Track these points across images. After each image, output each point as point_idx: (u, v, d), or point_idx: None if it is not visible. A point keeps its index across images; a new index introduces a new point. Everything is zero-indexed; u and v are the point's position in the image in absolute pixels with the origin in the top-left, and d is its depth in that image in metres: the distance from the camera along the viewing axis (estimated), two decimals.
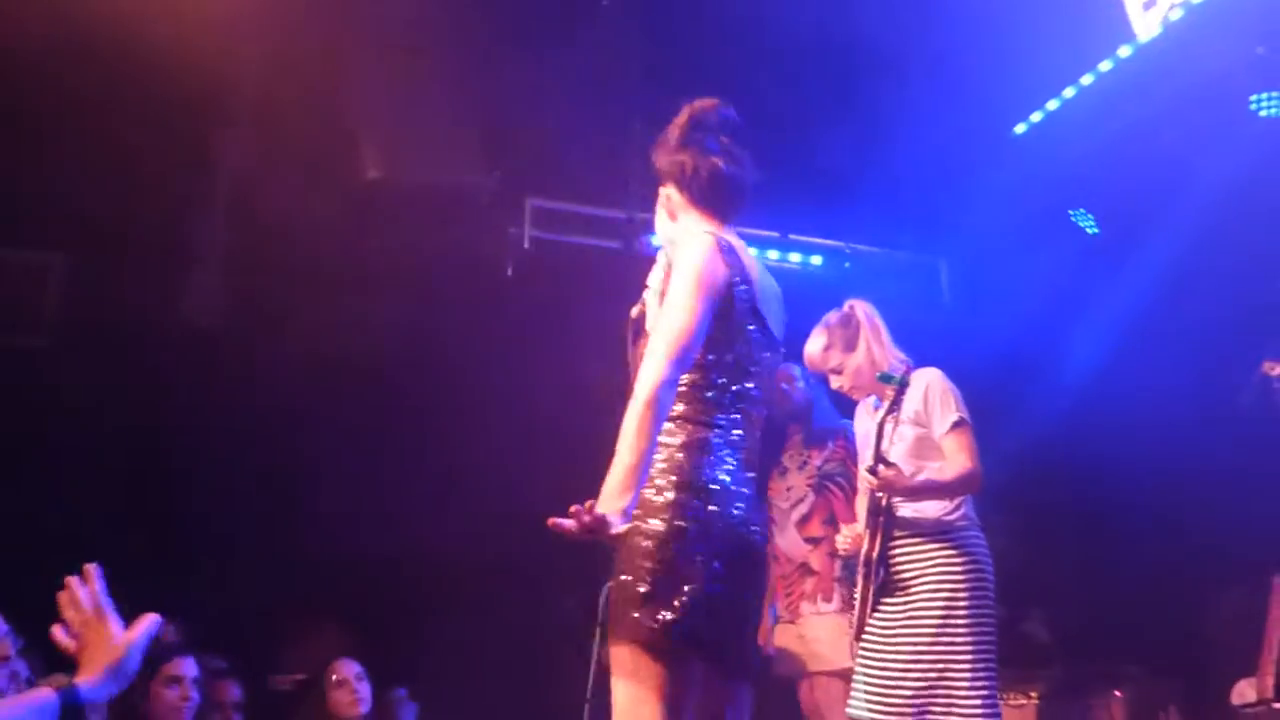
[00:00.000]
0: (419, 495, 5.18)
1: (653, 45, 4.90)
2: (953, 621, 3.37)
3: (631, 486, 2.23)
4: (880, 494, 3.43)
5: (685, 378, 2.41)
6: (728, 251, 2.48)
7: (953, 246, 6.56)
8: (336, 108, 4.85)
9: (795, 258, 6.22)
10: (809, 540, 4.41)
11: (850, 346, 3.64)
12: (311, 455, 5.12)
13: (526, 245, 5.52)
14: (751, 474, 2.50)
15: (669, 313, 2.38)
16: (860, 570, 3.50)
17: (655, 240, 2.74)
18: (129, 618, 1.93)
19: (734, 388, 2.47)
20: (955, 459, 3.46)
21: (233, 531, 5.06)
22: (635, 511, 2.27)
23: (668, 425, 2.39)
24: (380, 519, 5.16)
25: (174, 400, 5.15)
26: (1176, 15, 4.95)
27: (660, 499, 2.34)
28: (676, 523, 2.32)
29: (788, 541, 4.48)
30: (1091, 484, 5.26)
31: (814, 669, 4.32)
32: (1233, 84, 5.19)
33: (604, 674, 3.01)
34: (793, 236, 6.18)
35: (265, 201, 4.87)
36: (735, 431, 2.46)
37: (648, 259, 5.86)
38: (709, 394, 2.44)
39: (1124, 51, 5.26)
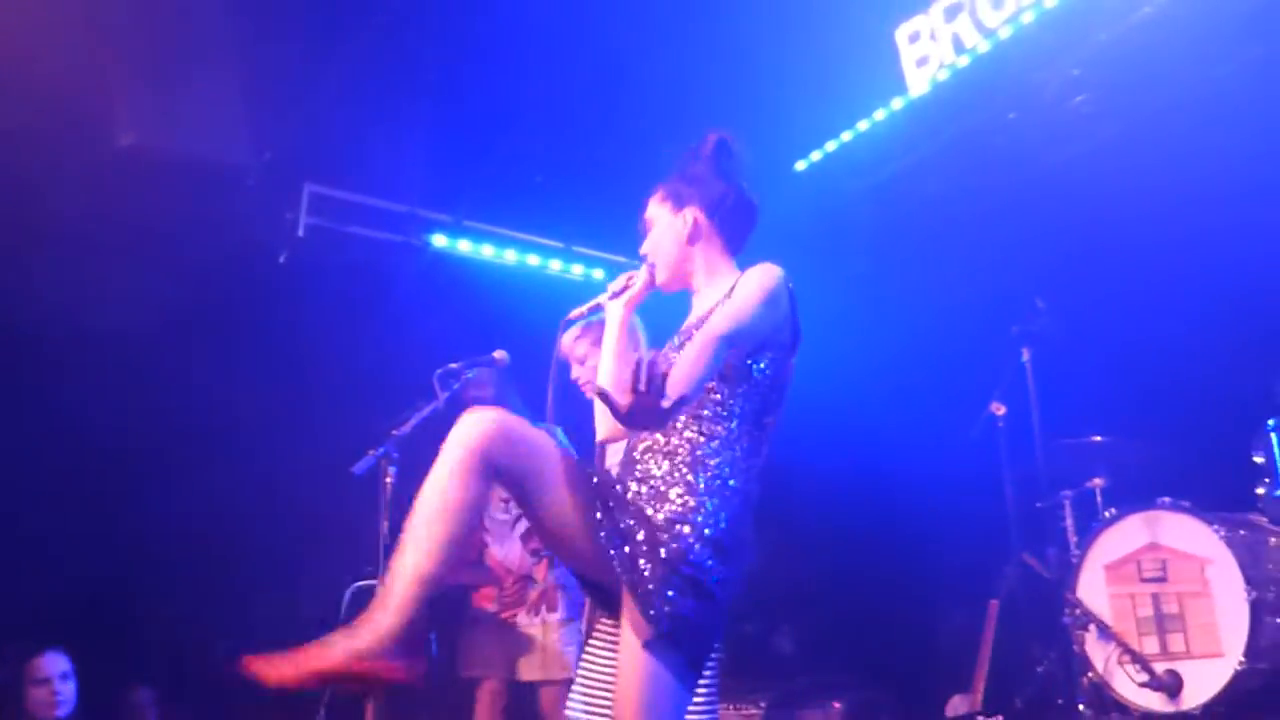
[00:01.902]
0: (152, 483, 4.92)
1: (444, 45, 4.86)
2: None
3: None
4: None
5: None
6: None
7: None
8: (95, 65, 4.55)
9: (578, 269, 6.29)
10: (534, 553, 4.45)
11: (600, 343, 3.71)
12: (43, 430, 4.79)
13: (301, 232, 5.34)
14: None
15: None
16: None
17: (656, 270, 2.76)
18: None
19: None
20: None
21: None
22: None
23: None
24: (107, 508, 4.88)
25: None
26: (944, 76, 5.31)
27: None
28: None
29: (507, 553, 4.49)
30: (835, 508, 5.54)
31: (535, 678, 4.36)
32: (991, 141, 5.63)
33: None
34: (576, 248, 6.24)
35: (10, 158, 4.53)
36: None
37: (428, 254, 5.84)
38: None
39: (897, 104, 5.60)
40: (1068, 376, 4.45)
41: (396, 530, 3.49)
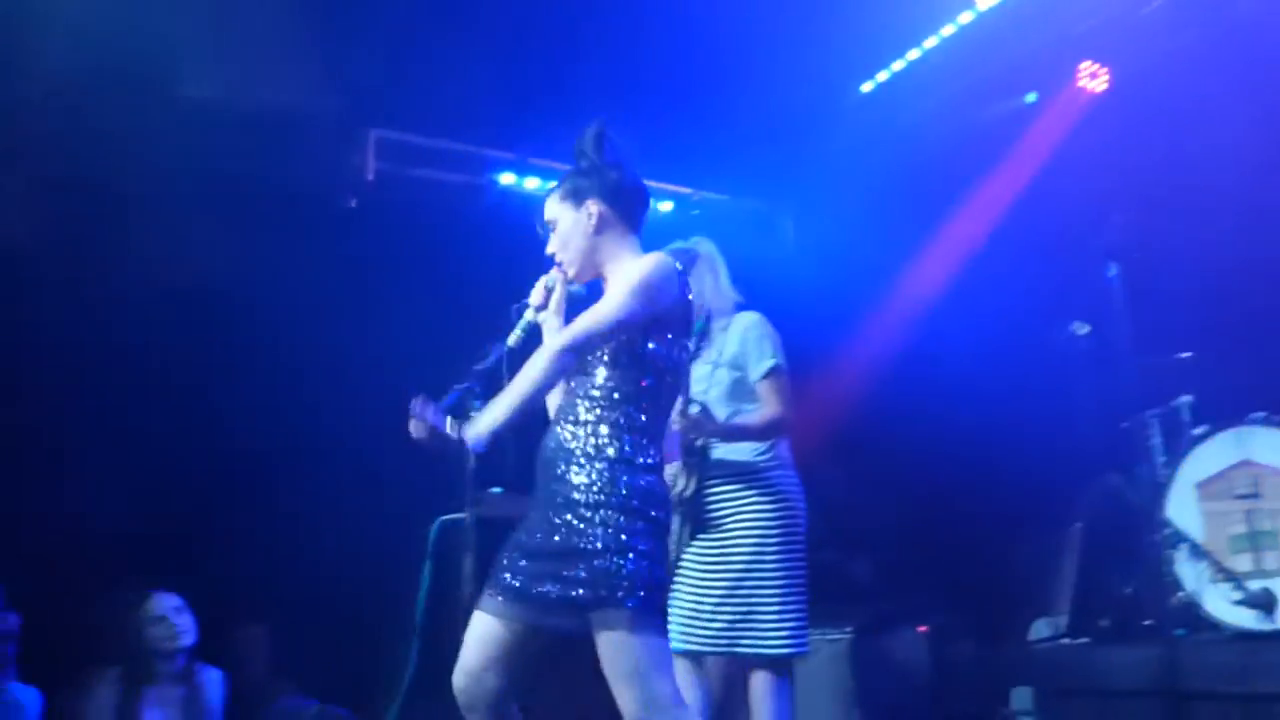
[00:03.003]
0: (246, 430, 5.04)
1: None
2: (762, 560, 3.48)
3: None
4: (690, 435, 3.51)
5: None
6: None
7: (798, 198, 6.71)
8: (163, 18, 4.58)
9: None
10: None
11: (687, 270, 3.68)
12: (132, 382, 4.91)
13: (370, 177, 5.37)
14: None
15: None
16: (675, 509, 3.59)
17: (566, 269, 2.83)
18: None
19: None
20: (768, 403, 3.56)
21: (54, 458, 4.82)
22: None
23: None
24: (212, 448, 5.01)
25: None
26: None
27: None
28: None
29: None
30: (917, 432, 5.50)
31: None
32: (1061, 54, 5.47)
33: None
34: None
35: (84, 115, 4.59)
36: None
37: (496, 193, 5.85)
38: None
39: (965, 17, 5.45)
40: (1154, 292, 4.34)
41: (482, 464, 3.56)
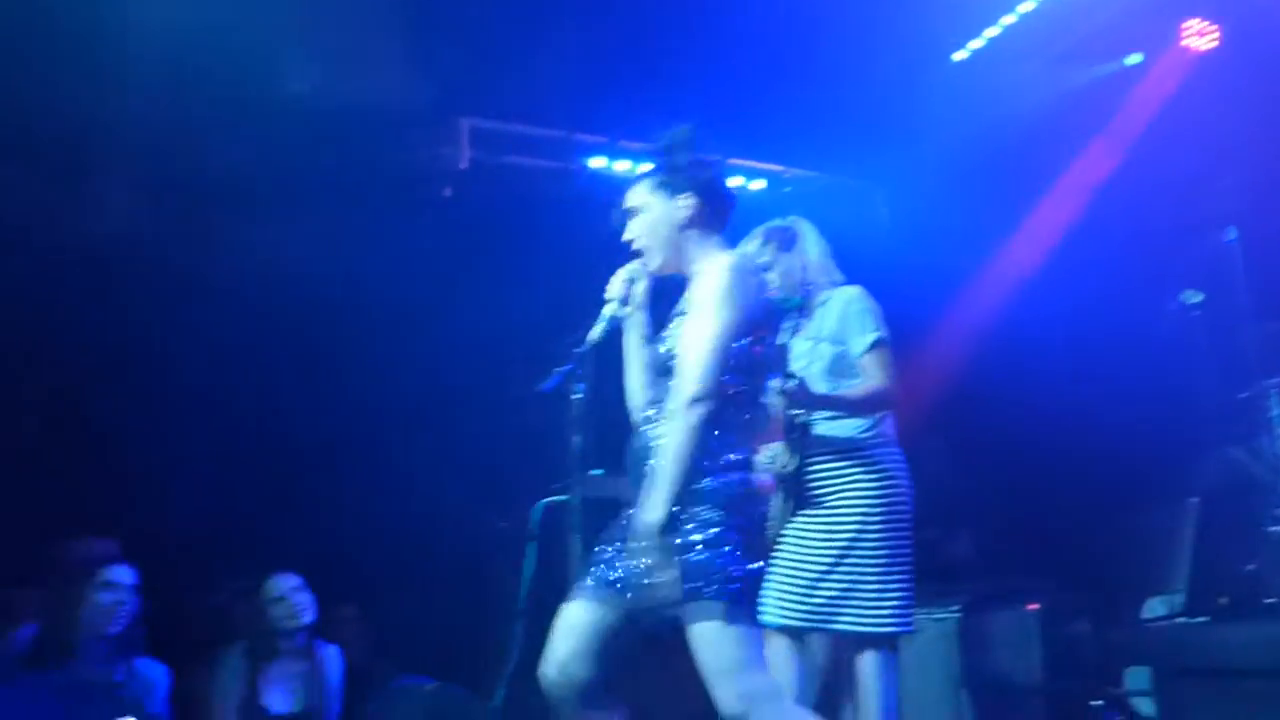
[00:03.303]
0: (356, 416, 5.16)
1: None
2: (865, 537, 3.44)
3: None
4: (793, 411, 3.48)
5: None
6: None
7: (891, 173, 6.60)
8: (264, 14, 4.70)
9: (736, 180, 6.21)
10: None
11: (788, 247, 3.66)
12: (237, 374, 5.06)
13: (463, 166, 5.44)
14: None
15: None
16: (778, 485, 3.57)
17: (634, 220, 2.85)
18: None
19: None
20: (872, 376, 3.51)
21: (166, 447, 5.01)
22: None
23: None
24: (313, 437, 5.14)
25: (92, 319, 5.04)
26: None
27: None
28: None
29: None
30: (1019, 407, 5.39)
31: None
32: (1163, 13, 5.28)
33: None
34: (732, 160, 6.15)
35: (182, 114, 4.74)
36: None
37: (586, 177, 5.89)
38: None
39: None
40: (1273, 256, 4.17)
41: (586, 446, 3.59)
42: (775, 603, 3.48)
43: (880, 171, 6.65)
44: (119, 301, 5.07)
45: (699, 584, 2.50)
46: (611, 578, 2.62)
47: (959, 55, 5.84)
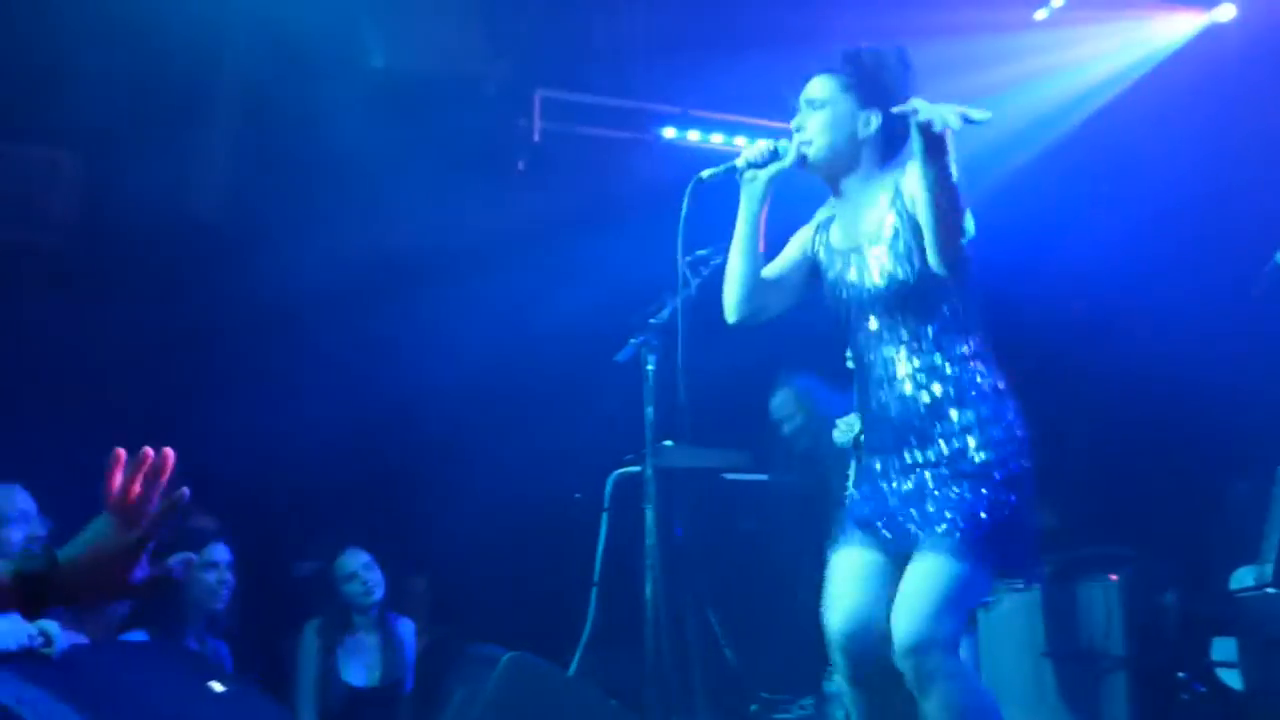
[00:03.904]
0: (427, 389, 5.24)
1: None
2: None
3: None
4: None
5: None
6: None
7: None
8: None
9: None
10: None
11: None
12: (321, 348, 5.16)
13: (536, 138, 5.46)
14: None
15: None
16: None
17: (810, 149, 2.67)
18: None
19: None
20: None
21: (251, 424, 5.13)
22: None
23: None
24: (386, 411, 5.22)
25: (187, 296, 5.18)
26: None
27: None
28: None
29: None
30: (1106, 372, 5.29)
31: None
32: None
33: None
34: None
35: (271, 92, 4.83)
36: None
37: (660, 148, 5.86)
38: None
39: None
40: None
41: (661, 416, 3.61)
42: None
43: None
44: (193, 274, 5.19)
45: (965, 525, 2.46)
46: (899, 518, 2.55)
47: (1040, 14, 5.68)
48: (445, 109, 5.22)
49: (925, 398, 2.56)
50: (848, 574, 2.60)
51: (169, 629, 3.86)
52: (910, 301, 2.58)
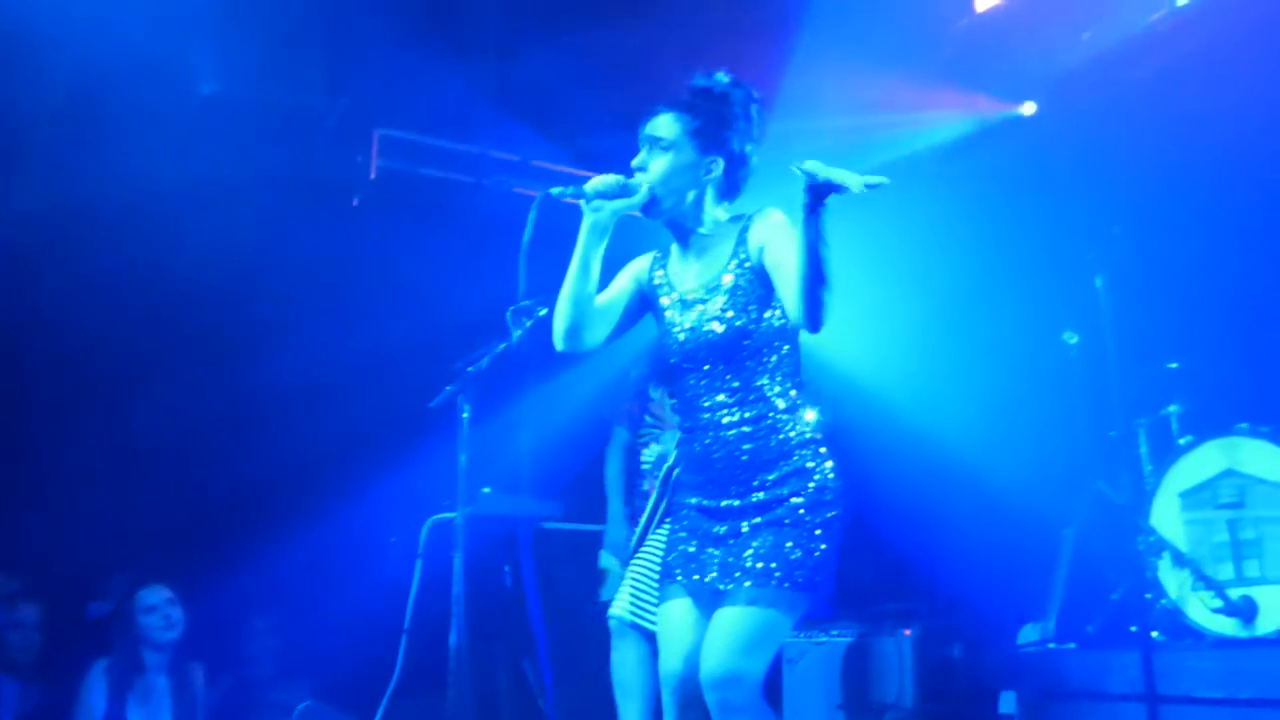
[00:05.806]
0: (246, 421, 5.11)
1: None
2: None
3: None
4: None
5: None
6: None
7: None
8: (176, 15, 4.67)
9: None
10: None
11: None
12: (134, 372, 4.99)
13: (373, 175, 5.44)
14: None
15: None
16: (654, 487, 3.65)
17: (655, 152, 2.66)
18: None
19: None
20: None
21: (59, 455, 4.90)
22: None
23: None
24: (207, 443, 5.08)
25: None
26: None
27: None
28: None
29: None
30: (904, 438, 5.52)
31: None
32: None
33: None
34: None
35: (95, 109, 4.67)
36: None
37: (497, 195, 5.90)
38: None
39: None
40: (1141, 302, 4.38)
41: (473, 464, 3.61)
42: (629, 597, 3.58)
43: None
44: (22, 299, 4.96)
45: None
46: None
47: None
48: (279, 140, 5.14)
49: (748, 445, 2.62)
50: (677, 620, 2.65)
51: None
52: (744, 352, 2.63)
